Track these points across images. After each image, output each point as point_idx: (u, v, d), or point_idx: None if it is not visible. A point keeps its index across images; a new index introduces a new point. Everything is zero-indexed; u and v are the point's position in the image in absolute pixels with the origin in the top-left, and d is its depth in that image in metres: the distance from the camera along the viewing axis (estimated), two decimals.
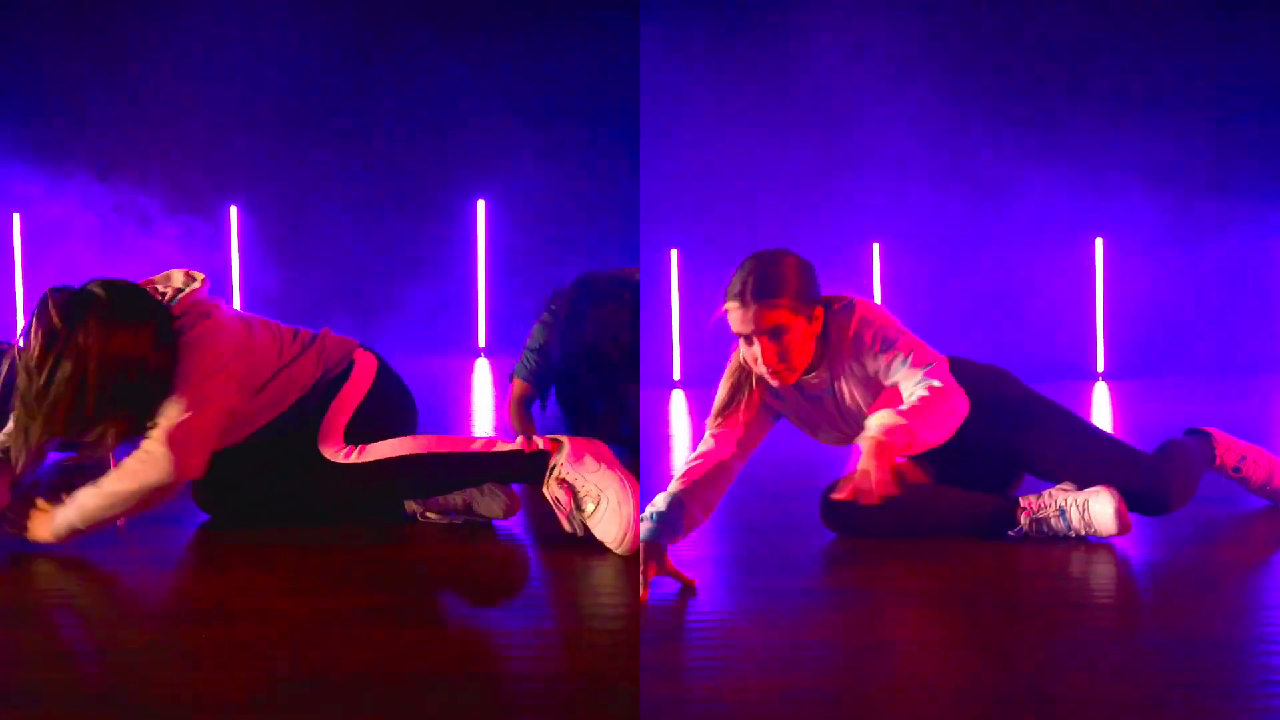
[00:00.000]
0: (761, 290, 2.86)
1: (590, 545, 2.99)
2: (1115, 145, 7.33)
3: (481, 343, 7.60)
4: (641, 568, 2.65)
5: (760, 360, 2.90)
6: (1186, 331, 7.37)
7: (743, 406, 3.02)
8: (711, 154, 7.50)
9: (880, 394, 2.97)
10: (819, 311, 2.94)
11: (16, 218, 7.29)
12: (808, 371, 2.98)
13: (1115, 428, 5.44)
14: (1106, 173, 7.33)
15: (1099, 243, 7.41)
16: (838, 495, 2.84)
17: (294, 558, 3.00)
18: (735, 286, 2.90)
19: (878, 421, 2.74)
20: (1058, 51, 7.42)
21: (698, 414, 6.42)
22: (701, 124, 7.47)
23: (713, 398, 3.07)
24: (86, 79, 7.36)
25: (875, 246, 7.54)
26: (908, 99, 7.36)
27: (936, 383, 2.84)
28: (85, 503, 2.83)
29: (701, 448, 3.00)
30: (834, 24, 7.42)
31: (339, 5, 7.52)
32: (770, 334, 2.88)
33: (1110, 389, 6.90)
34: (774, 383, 2.97)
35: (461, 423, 5.56)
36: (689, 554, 3.03)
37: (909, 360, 2.90)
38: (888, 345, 2.92)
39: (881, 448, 2.68)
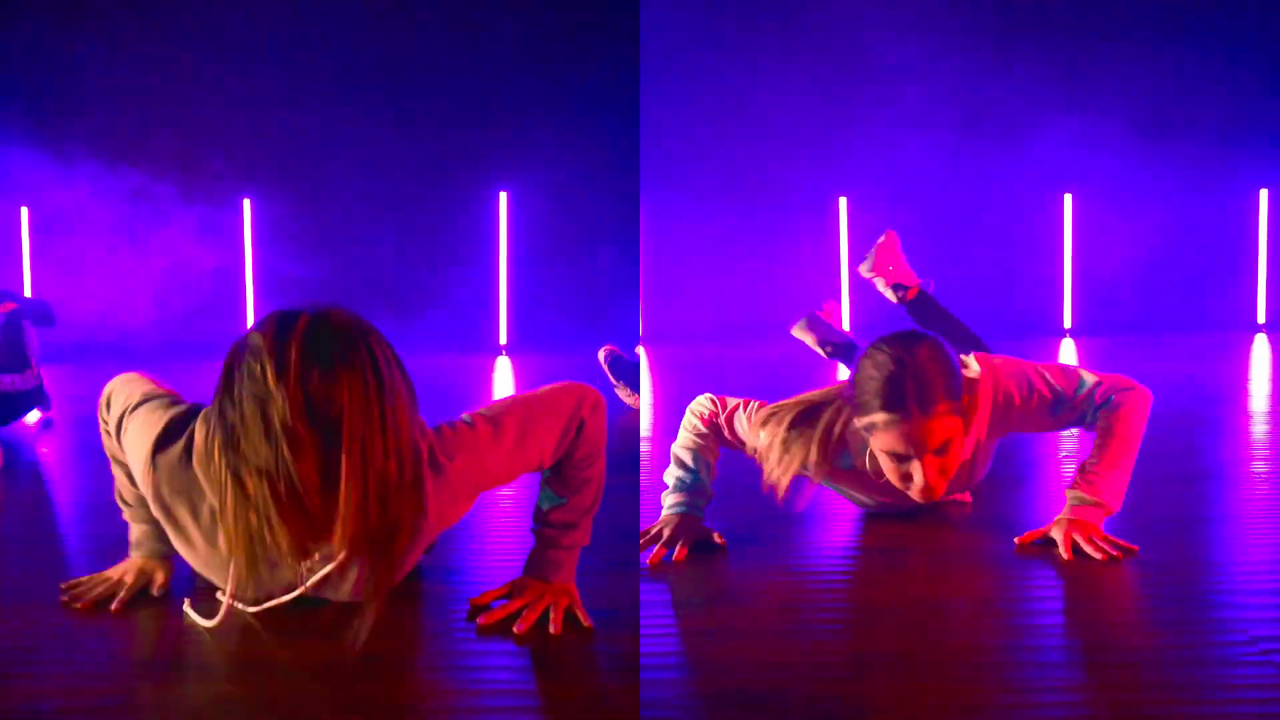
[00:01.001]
0: (927, 400, 2.38)
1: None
2: (1089, 96, 7.26)
3: (503, 340, 7.34)
4: (675, 538, 2.57)
5: (918, 480, 2.43)
6: (1155, 288, 7.33)
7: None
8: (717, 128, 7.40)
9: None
10: (965, 402, 2.51)
11: (25, 211, 7.11)
12: None
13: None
14: (1077, 126, 7.26)
15: (1068, 199, 7.34)
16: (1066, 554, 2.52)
17: None
18: (887, 395, 2.40)
19: (1069, 512, 2.57)
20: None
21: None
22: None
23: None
24: (95, 64, 7.13)
25: (842, 200, 7.45)
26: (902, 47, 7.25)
27: (1119, 400, 2.62)
28: (588, 511, 2.28)
29: (702, 439, 2.74)
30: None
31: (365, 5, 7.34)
32: (937, 452, 2.43)
33: (1078, 345, 6.86)
34: (920, 500, 2.51)
35: None
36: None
37: (1061, 394, 2.65)
38: (1032, 391, 2.64)
39: (1076, 528, 2.53)
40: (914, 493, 2.48)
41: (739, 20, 7.34)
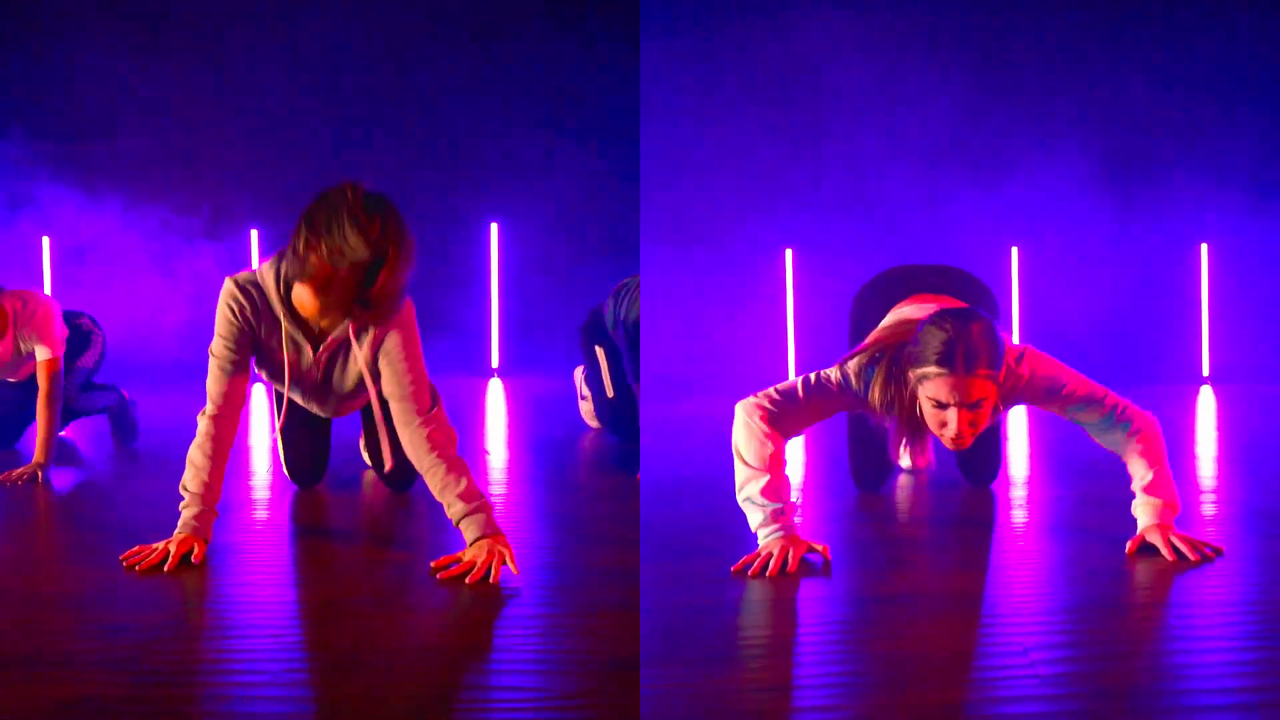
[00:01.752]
0: (972, 359, 2.87)
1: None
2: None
3: (495, 363, 7.66)
4: (783, 555, 2.85)
5: (951, 426, 2.91)
6: (1106, 342, 7.39)
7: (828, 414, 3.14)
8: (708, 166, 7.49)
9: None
10: (1003, 371, 2.98)
11: (46, 241, 7.30)
12: None
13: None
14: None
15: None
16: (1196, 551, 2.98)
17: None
18: (942, 353, 2.88)
19: (1151, 518, 3.02)
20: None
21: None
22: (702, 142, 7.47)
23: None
24: (118, 101, 7.49)
25: (788, 252, 7.46)
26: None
27: (1137, 425, 3.08)
28: (473, 484, 2.97)
29: (771, 437, 3.01)
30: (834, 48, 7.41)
31: (359, 35, 7.63)
32: (971, 407, 2.89)
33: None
34: (951, 447, 2.98)
35: (476, 443, 5.49)
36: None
37: (1087, 402, 3.07)
38: (1058, 386, 3.07)
39: (1165, 530, 3.00)
40: (946, 439, 2.94)
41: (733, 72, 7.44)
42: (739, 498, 3.02)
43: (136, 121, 7.49)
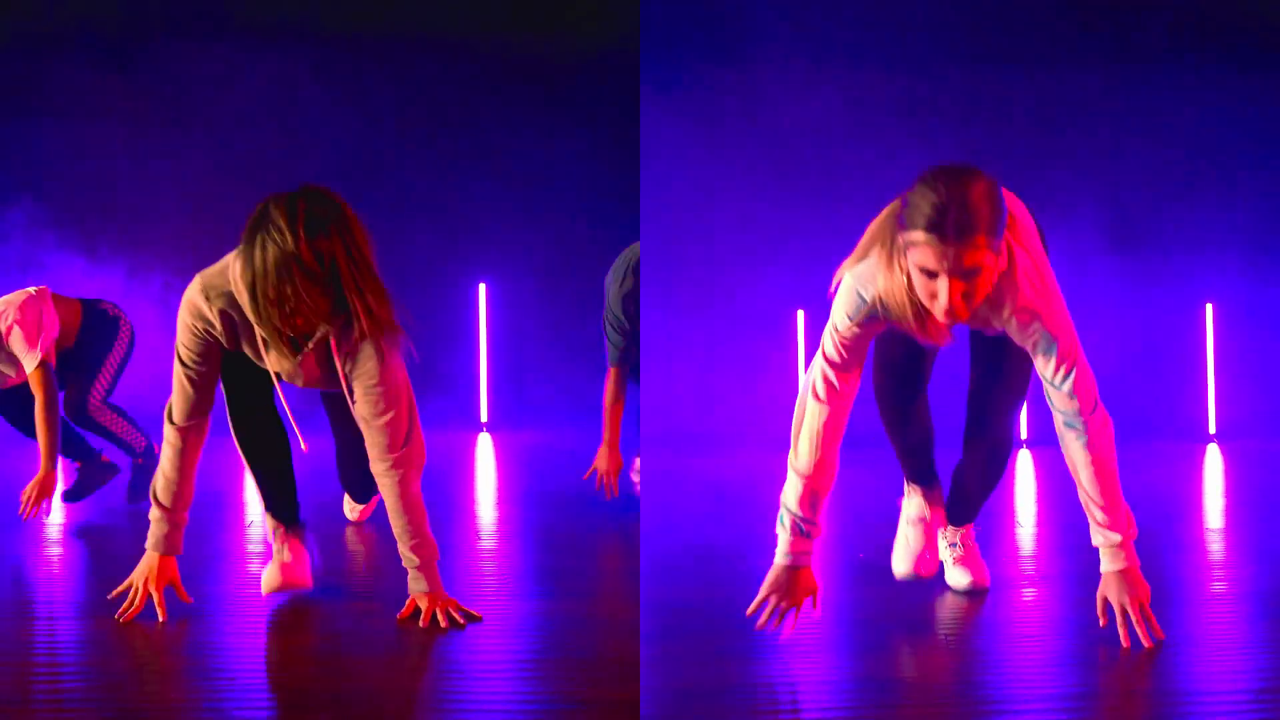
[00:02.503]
0: (963, 226, 2.51)
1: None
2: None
3: (484, 418, 7.81)
4: (779, 604, 2.80)
5: (941, 298, 2.56)
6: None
7: (864, 347, 2.81)
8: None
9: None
10: (1003, 246, 2.65)
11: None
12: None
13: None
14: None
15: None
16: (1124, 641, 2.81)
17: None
18: (929, 215, 2.53)
19: (1111, 559, 2.82)
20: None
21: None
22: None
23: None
24: (119, 169, 7.71)
25: (800, 313, 7.55)
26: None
27: (1099, 429, 2.81)
28: (425, 537, 3.06)
29: (821, 413, 2.80)
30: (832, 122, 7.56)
31: (354, 105, 7.84)
32: (964, 275, 2.55)
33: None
34: (943, 321, 2.63)
35: (465, 496, 5.66)
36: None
37: (1069, 376, 2.76)
38: (1051, 342, 2.75)
39: (1134, 581, 2.82)
40: (938, 312, 2.59)
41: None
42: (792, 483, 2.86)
43: (136, 188, 7.67)
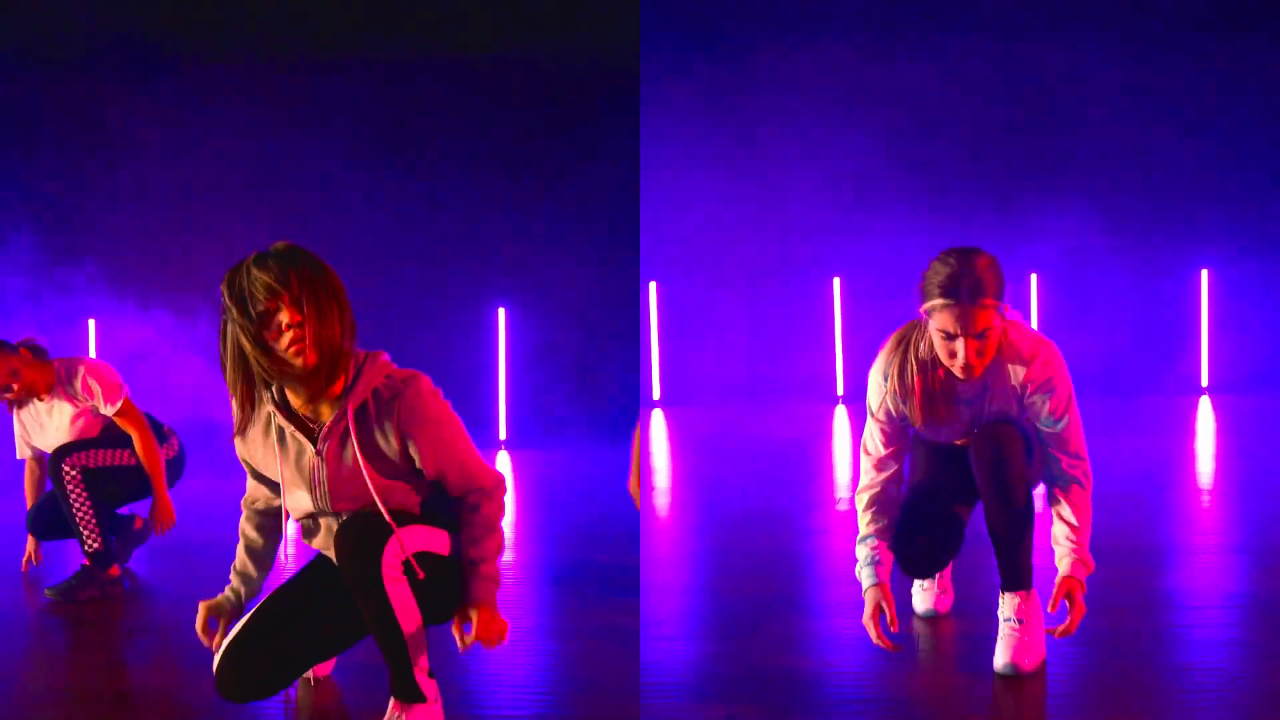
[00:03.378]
0: (975, 290, 2.94)
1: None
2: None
3: (502, 435, 8.12)
4: (880, 612, 3.07)
5: (960, 356, 2.98)
6: (1120, 355, 8.21)
7: (903, 417, 3.18)
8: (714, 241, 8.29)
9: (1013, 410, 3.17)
10: (1004, 311, 3.06)
11: (92, 323, 7.67)
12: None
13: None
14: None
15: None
16: (1070, 629, 3.06)
17: None
18: (945, 285, 2.95)
19: (1069, 569, 3.09)
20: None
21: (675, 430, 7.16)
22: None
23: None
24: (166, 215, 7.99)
25: (836, 279, 8.29)
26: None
27: (1082, 481, 3.12)
28: (492, 565, 2.86)
29: (875, 479, 3.21)
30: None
31: (369, 133, 8.11)
32: (978, 336, 2.98)
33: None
34: (961, 376, 3.04)
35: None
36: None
37: (1062, 429, 3.12)
38: (1060, 398, 3.11)
39: (1075, 586, 3.09)
40: (956, 369, 3.03)
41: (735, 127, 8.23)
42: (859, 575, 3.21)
43: (177, 236, 7.92)
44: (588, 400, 8.04)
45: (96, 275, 7.76)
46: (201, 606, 2.98)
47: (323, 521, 2.87)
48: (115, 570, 4.29)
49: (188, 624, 3.00)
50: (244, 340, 2.67)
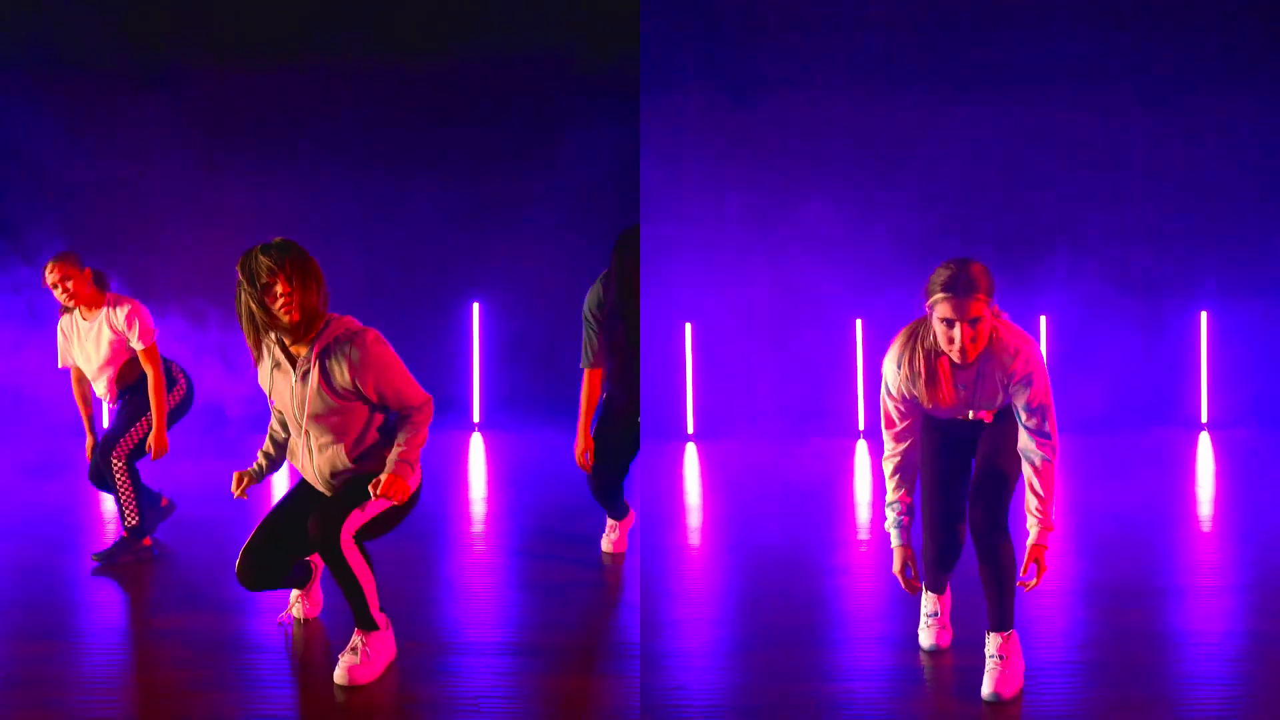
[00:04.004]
0: (969, 287, 3.65)
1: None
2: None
3: (476, 419, 9.08)
4: (905, 566, 3.86)
5: (957, 341, 3.66)
6: (1121, 389, 8.75)
7: (915, 401, 3.84)
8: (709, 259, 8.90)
9: (1003, 395, 3.81)
10: (994, 309, 3.76)
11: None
12: (970, 366, 3.78)
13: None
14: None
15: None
16: (1025, 582, 3.79)
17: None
18: (945, 282, 3.65)
19: (1036, 537, 3.78)
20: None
21: (708, 466, 7.74)
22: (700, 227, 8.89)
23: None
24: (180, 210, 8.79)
25: (858, 322, 8.86)
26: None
27: (1049, 456, 3.79)
28: (409, 451, 3.98)
29: (896, 449, 3.90)
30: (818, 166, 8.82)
31: (355, 134, 8.84)
32: (971, 323, 3.65)
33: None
34: (958, 360, 3.71)
35: (461, 487, 7.30)
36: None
37: (1037, 413, 3.77)
38: (1038, 386, 3.77)
39: (1041, 552, 3.79)
40: (955, 354, 3.69)
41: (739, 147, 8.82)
42: (887, 527, 3.98)
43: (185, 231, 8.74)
44: (551, 385, 8.68)
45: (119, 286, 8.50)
46: (236, 473, 4.19)
47: (300, 443, 4.07)
48: (147, 540, 5.39)
49: (205, 579, 4.84)
50: (251, 304, 3.88)
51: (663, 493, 6.82)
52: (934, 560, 4.04)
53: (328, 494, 4.08)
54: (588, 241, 8.37)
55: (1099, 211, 8.80)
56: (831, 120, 8.86)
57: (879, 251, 8.72)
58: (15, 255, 8.47)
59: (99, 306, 5.28)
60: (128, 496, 5.28)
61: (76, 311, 5.31)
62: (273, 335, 3.98)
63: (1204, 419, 8.73)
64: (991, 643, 3.86)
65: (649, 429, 8.52)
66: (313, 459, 4.04)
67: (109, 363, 5.31)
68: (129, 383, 5.35)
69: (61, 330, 5.37)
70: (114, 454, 5.26)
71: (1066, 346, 8.76)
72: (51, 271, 5.22)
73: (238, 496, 4.16)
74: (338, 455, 4.01)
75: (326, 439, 4.01)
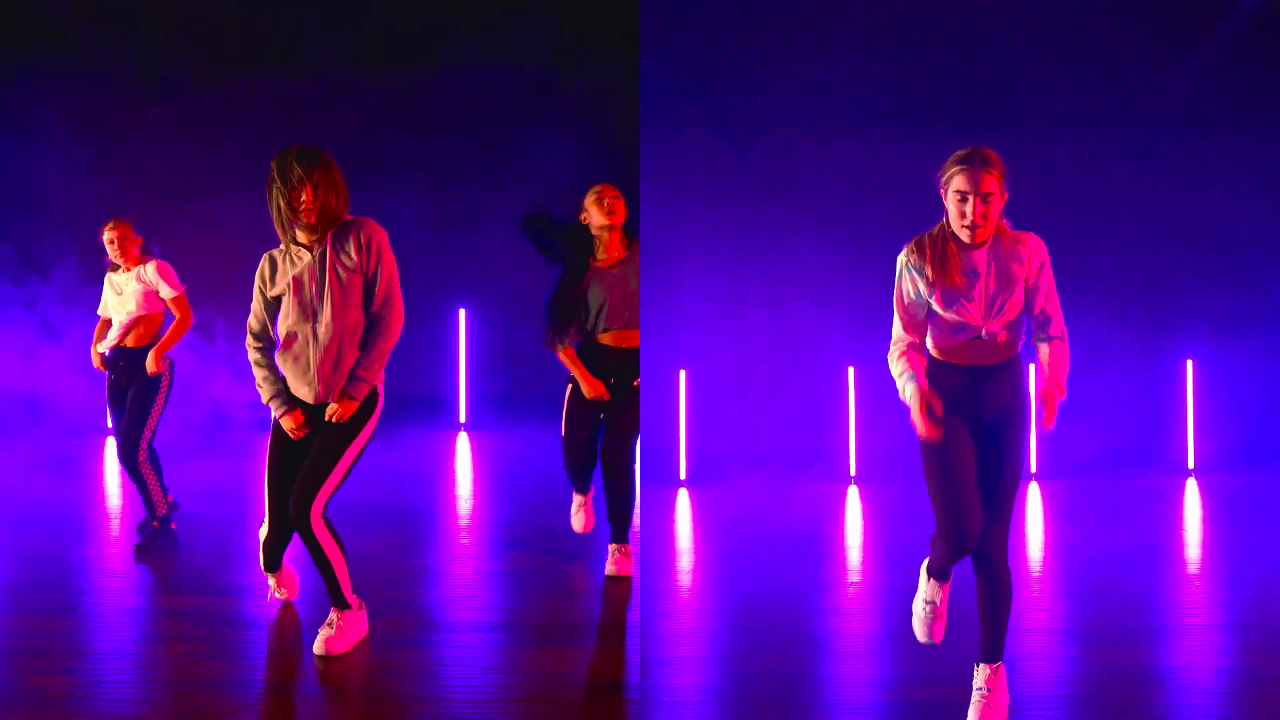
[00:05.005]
0: (984, 161, 3.81)
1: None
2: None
3: (462, 419, 9.62)
4: (926, 405, 3.82)
5: (969, 215, 3.81)
6: (1108, 434, 8.86)
7: (922, 297, 3.94)
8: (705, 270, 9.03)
9: (1014, 293, 3.92)
10: (1006, 195, 3.89)
11: None
12: (979, 246, 3.89)
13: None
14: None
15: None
16: (1048, 423, 3.82)
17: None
18: (962, 155, 3.82)
19: (1046, 387, 3.87)
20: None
21: (699, 512, 7.82)
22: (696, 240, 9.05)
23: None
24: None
25: (850, 370, 8.97)
26: None
27: (1061, 340, 3.96)
28: (370, 372, 4.50)
29: (903, 343, 3.99)
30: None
31: (339, 141, 8.81)
32: (983, 198, 3.80)
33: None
34: (968, 239, 3.85)
35: (447, 485, 7.86)
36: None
37: (1049, 321, 3.96)
38: (1047, 276, 3.94)
39: (1053, 399, 3.85)
40: (965, 230, 3.83)
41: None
42: (903, 397, 3.98)
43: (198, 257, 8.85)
44: (534, 388, 9.00)
45: None
46: (292, 415, 4.53)
47: (301, 332, 4.48)
48: (174, 525, 6.06)
49: (209, 566, 5.68)
50: (280, 200, 4.39)
51: (656, 536, 6.88)
52: (950, 543, 3.95)
53: (311, 401, 4.52)
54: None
55: (1092, 254, 8.94)
56: (828, 163, 9.03)
57: (873, 298, 8.83)
58: (33, 272, 8.76)
59: (135, 261, 6.00)
60: (155, 485, 5.90)
61: (121, 269, 6.01)
62: (295, 230, 4.43)
63: (1190, 464, 8.83)
64: (980, 675, 3.95)
65: (643, 475, 8.65)
66: (316, 349, 4.45)
67: (137, 313, 5.94)
68: (143, 343, 5.96)
69: (109, 281, 6.05)
70: (139, 450, 5.85)
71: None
72: (111, 229, 5.98)
73: (304, 433, 4.53)
74: (342, 344, 4.45)
75: (331, 326, 4.43)
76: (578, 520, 5.86)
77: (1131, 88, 8.87)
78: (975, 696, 3.94)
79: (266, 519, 4.68)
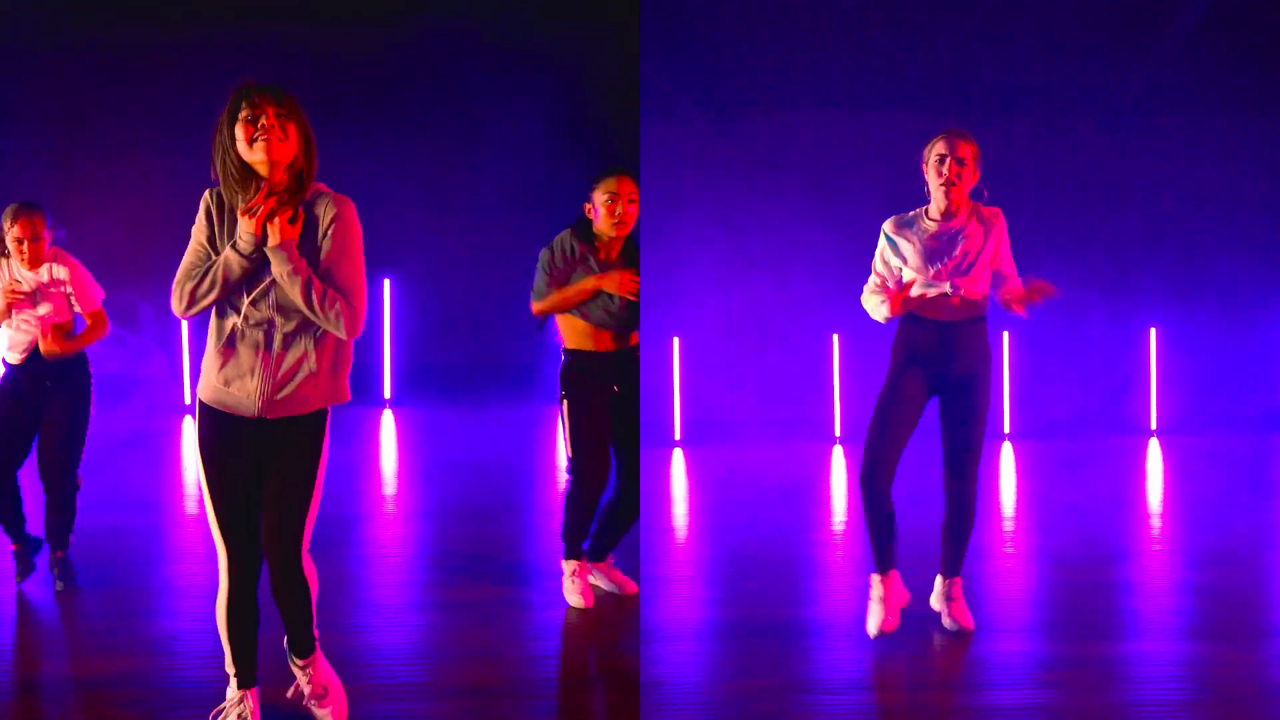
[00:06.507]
0: (963, 134, 4.39)
1: None
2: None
3: (387, 395, 9.35)
4: (904, 292, 4.36)
5: (945, 174, 4.34)
6: (1086, 397, 9.35)
7: (894, 264, 4.48)
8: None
9: (980, 258, 4.42)
10: (978, 175, 4.44)
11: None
12: (953, 217, 4.41)
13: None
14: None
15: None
16: (1034, 295, 4.42)
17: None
18: (943, 131, 4.41)
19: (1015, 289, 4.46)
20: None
21: (694, 471, 8.30)
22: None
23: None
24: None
25: (835, 337, 9.43)
26: None
27: (1010, 278, 4.49)
28: (301, 272, 3.55)
29: (873, 280, 4.57)
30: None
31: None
32: (958, 161, 4.34)
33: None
34: (944, 199, 4.37)
35: (372, 463, 7.77)
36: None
37: (1009, 265, 4.51)
38: (1006, 243, 4.50)
39: (1017, 294, 4.44)
40: (941, 190, 4.37)
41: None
42: (878, 317, 4.55)
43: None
44: (464, 360, 9.14)
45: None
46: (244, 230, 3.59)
47: (250, 334, 3.58)
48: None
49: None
50: (233, 130, 3.48)
51: (655, 494, 7.36)
52: (861, 474, 4.46)
53: (261, 416, 3.62)
54: (513, 229, 8.79)
55: (1061, 229, 9.39)
56: (813, 136, 9.42)
57: (856, 270, 9.21)
58: None
59: (41, 261, 4.98)
60: (72, 513, 5.19)
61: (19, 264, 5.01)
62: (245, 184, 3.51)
63: (1153, 426, 9.33)
64: (943, 585, 4.55)
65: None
66: (270, 352, 3.61)
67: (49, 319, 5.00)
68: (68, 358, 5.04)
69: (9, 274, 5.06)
70: (75, 472, 5.16)
71: (1027, 358, 9.32)
72: (19, 226, 4.91)
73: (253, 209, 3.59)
74: (307, 349, 3.66)
75: (295, 324, 3.63)
76: (574, 593, 4.93)
77: (1104, 64, 9.21)
78: (945, 606, 4.54)
79: (223, 574, 3.65)
